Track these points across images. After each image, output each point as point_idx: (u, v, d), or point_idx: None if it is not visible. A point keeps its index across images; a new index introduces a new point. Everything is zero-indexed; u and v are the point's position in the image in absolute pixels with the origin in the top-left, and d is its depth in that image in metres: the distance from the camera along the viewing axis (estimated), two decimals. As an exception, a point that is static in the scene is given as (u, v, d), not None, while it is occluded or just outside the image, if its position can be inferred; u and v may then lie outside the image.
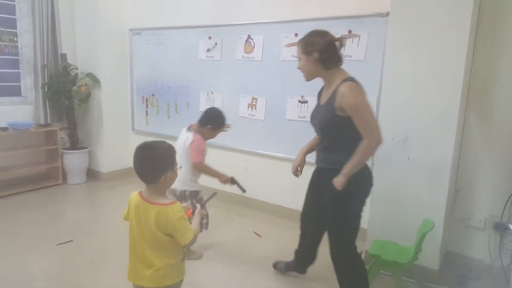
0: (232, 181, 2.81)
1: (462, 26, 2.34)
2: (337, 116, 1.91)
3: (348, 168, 1.91)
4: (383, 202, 2.71)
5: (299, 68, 2.06)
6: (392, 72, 2.62)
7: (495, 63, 2.67)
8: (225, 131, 2.81)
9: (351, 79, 1.94)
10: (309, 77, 2.05)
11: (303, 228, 2.51)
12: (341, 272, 2.19)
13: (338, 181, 1.94)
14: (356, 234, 2.12)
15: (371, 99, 3.01)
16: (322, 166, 2.17)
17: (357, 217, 2.08)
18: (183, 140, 2.69)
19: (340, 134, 1.97)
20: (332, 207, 2.09)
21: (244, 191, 2.82)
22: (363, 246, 2.94)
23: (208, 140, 2.76)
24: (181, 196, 2.71)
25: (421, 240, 2.29)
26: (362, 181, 2.03)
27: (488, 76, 2.70)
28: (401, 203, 2.64)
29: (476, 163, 2.82)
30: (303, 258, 2.56)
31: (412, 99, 2.52)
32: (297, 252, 2.60)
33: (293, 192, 3.67)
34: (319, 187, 2.26)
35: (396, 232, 2.64)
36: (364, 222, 2.37)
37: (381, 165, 2.67)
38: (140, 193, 1.63)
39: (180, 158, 2.61)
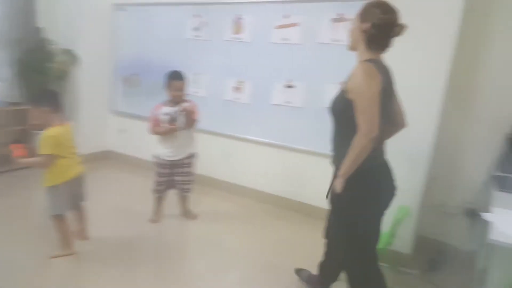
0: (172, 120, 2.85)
1: (448, 15, 2.33)
2: (347, 99, 1.68)
3: (343, 168, 1.69)
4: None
5: (350, 31, 1.82)
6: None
7: (477, 54, 2.71)
8: None
9: (371, 60, 1.68)
10: (351, 45, 1.80)
11: (326, 241, 2.20)
12: (351, 283, 1.91)
13: (336, 183, 1.75)
14: (363, 243, 1.83)
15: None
16: (334, 164, 1.88)
17: (362, 224, 1.78)
18: None
19: (349, 121, 1.67)
20: (331, 212, 1.93)
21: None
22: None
23: (190, 121, 2.84)
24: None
25: (396, 227, 2.31)
26: (364, 182, 1.72)
27: (469, 68, 2.74)
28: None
29: (453, 152, 2.87)
30: (328, 274, 2.25)
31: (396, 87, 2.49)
32: (322, 266, 2.27)
33: (278, 178, 3.61)
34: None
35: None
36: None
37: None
38: None
39: None
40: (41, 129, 2.37)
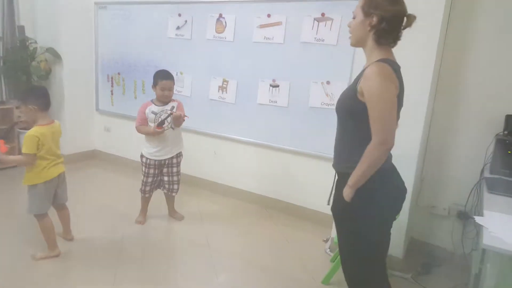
0: (160, 123, 2.82)
1: (433, 14, 2.31)
2: (358, 100, 1.52)
3: (353, 178, 1.54)
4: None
5: (349, 27, 1.65)
6: (364, 58, 2.53)
7: (463, 56, 2.68)
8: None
9: (387, 60, 1.51)
10: (355, 41, 1.64)
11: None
12: None
13: (345, 193, 1.58)
14: (375, 251, 1.69)
15: (342, 85, 3.02)
16: (335, 169, 1.75)
17: (368, 238, 1.63)
18: None
19: (358, 122, 1.54)
20: (338, 222, 1.74)
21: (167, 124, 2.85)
22: (329, 233, 2.94)
23: (178, 123, 2.85)
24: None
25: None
26: (375, 187, 1.56)
27: (456, 69, 2.71)
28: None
29: (441, 153, 2.85)
30: None
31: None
32: None
33: (262, 178, 3.62)
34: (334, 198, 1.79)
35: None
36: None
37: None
38: None
39: None
40: (27, 127, 2.37)
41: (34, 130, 2.31)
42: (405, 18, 1.53)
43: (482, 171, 2.53)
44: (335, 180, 1.77)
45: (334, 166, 1.75)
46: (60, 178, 2.51)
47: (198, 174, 3.98)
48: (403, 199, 1.73)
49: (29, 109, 2.34)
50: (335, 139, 1.73)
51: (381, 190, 1.59)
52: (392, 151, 1.63)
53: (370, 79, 1.47)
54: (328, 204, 1.81)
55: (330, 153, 1.85)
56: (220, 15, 3.56)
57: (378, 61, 1.51)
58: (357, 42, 1.63)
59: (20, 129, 4.19)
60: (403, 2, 1.54)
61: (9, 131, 4.06)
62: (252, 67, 3.46)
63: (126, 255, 2.60)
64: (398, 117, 1.62)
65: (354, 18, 1.62)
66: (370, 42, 1.57)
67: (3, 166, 3.86)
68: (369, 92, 1.47)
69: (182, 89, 3.88)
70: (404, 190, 1.72)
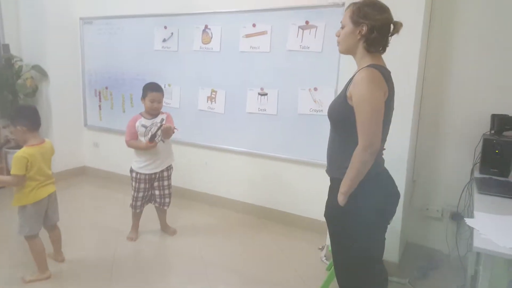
0: (152, 138, 2.79)
1: (416, 18, 2.33)
2: (348, 105, 1.55)
3: (345, 186, 1.57)
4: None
5: (337, 36, 1.68)
6: (349, 64, 2.54)
7: (448, 57, 2.71)
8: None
9: (376, 66, 1.55)
10: (344, 50, 1.67)
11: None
12: None
13: (339, 199, 1.60)
14: (362, 264, 1.69)
15: (329, 91, 3.03)
16: (328, 174, 1.76)
17: (360, 242, 1.64)
18: None
19: (349, 128, 1.55)
20: (332, 228, 1.75)
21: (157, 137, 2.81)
22: (324, 241, 2.92)
23: (168, 135, 2.83)
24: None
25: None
26: (367, 191, 1.59)
27: (442, 71, 2.74)
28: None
29: (432, 154, 2.86)
30: None
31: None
32: None
33: (254, 187, 3.60)
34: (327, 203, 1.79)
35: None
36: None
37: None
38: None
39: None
40: (16, 147, 2.32)
41: (22, 151, 2.27)
42: (391, 26, 1.58)
43: (472, 171, 2.54)
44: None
45: (327, 171, 1.76)
46: (51, 198, 2.46)
47: (189, 186, 3.95)
48: (395, 203, 1.73)
49: (18, 130, 2.30)
50: (328, 145, 1.75)
51: (373, 194, 1.60)
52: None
53: (358, 84, 1.51)
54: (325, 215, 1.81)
55: (321, 160, 1.86)
56: (206, 26, 3.56)
57: (367, 66, 1.55)
58: (347, 50, 1.67)
59: (8, 148, 4.12)
60: (389, 10, 1.59)
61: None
62: (240, 76, 3.46)
63: (119, 274, 2.55)
64: (389, 121, 1.65)
65: (342, 27, 1.65)
66: (360, 49, 1.61)
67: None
68: (356, 97, 1.50)
69: (170, 101, 3.86)
70: (397, 195, 1.73)
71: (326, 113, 1.73)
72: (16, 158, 2.24)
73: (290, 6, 3.12)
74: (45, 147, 2.39)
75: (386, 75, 1.56)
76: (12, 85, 4.08)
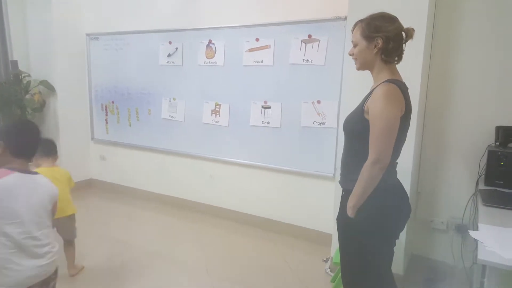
0: None
1: (418, 30, 2.33)
2: (364, 119, 1.58)
3: (354, 199, 1.58)
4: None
5: (351, 55, 1.70)
6: (352, 77, 2.59)
7: (452, 69, 2.70)
8: None
9: (395, 82, 1.57)
10: (363, 66, 1.69)
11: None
12: None
13: (348, 212, 1.62)
14: (369, 275, 1.69)
15: (331, 104, 3.06)
16: (342, 186, 1.77)
17: (368, 254, 1.64)
18: None
19: (364, 141, 1.56)
20: (339, 237, 1.78)
21: None
22: (328, 252, 2.91)
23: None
24: None
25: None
26: (376, 209, 1.59)
27: (445, 83, 2.74)
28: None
29: (436, 166, 2.84)
30: None
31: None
32: None
33: (258, 199, 3.61)
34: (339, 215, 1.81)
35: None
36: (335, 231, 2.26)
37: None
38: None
39: None
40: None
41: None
42: (403, 33, 1.61)
43: (477, 183, 2.52)
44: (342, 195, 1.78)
45: (341, 183, 1.78)
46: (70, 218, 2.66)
47: (194, 198, 3.97)
48: (406, 217, 1.74)
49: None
50: (342, 157, 1.77)
51: (384, 206, 1.61)
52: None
53: (377, 99, 1.53)
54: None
55: (325, 172, 1.84)
56: (210, 41, 3.62)
57: (386, 81, 1.57)
58: (364, 66, 1.69)
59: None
60: (397, 19, 1.62)
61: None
62: (243, 90, 3.50)
63: (124, 286, 2.56)
64: (404, 137, 1.66)
65: (354, 46, 1.68)
66: (378, 63, 1.63)
67: None
68: (373, 111, 1.53)
69: (175, 114, 3.91)
70: (408, 208, 1.74)
71: (330, 126, 1.76)
72: None
73: (292, 21, 3.17)
74: (56, 172, 2.45)
75: (404, 90, 1.59)
76: (20, 100, 4.15)
